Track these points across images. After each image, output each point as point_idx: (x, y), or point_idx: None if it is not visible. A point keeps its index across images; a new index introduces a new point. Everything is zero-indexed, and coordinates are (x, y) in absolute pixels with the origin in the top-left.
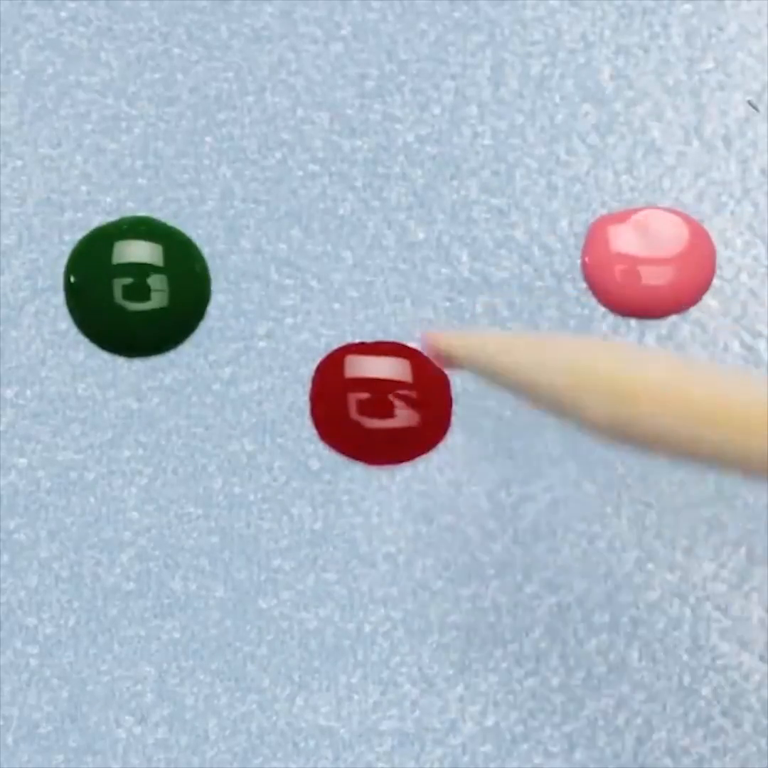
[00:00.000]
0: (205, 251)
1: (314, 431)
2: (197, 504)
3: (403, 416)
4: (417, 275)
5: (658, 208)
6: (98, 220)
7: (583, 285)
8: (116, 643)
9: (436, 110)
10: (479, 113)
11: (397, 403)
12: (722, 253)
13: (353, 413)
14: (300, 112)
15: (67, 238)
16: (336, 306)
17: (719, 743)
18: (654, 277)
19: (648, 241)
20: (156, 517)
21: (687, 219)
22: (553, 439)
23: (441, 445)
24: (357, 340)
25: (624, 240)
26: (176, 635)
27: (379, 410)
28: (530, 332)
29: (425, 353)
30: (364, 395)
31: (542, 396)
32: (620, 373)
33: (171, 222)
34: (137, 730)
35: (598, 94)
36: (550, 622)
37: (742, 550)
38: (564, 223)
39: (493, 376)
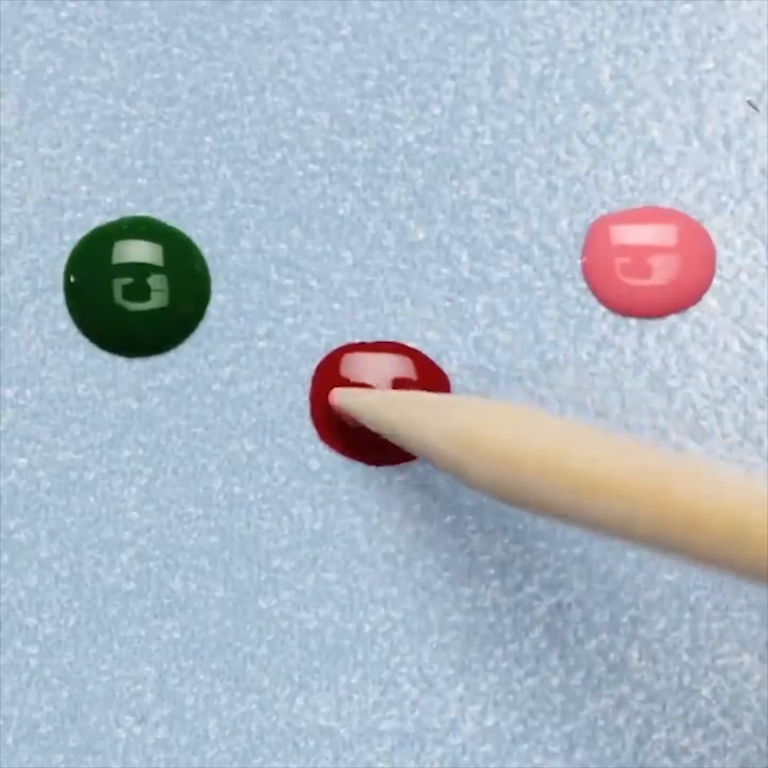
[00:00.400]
0: (205, 251)
1: (314, 431)
2: (197, 504)
3: None
4: (417, 275)
5: (658, 207)
6: (98, 220)
7: (583, 285)
8: (116, 643)
9: (436, 110)
10: (479, 113)
11: None
12: (722, 253)
13: None
14: (300, 112)
15: (67, 238)
16: (336, 306)
17: (719, 743)
18: (655, 270)
19: (648, 234)
20: (156, 517)
21: (687, 219)
22: None
23: None
24: (357, 340)
25: (625, 234)
26: (176, 635)
27: None
28: (426, 394)
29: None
30: None
31: (431, 454)
32: (504, 440)
33: (171, 222)
34: (137, 730)
35: (598, 94)
36: (550, 622)
37: None
38: (564, 223)
39: (387, 433)
